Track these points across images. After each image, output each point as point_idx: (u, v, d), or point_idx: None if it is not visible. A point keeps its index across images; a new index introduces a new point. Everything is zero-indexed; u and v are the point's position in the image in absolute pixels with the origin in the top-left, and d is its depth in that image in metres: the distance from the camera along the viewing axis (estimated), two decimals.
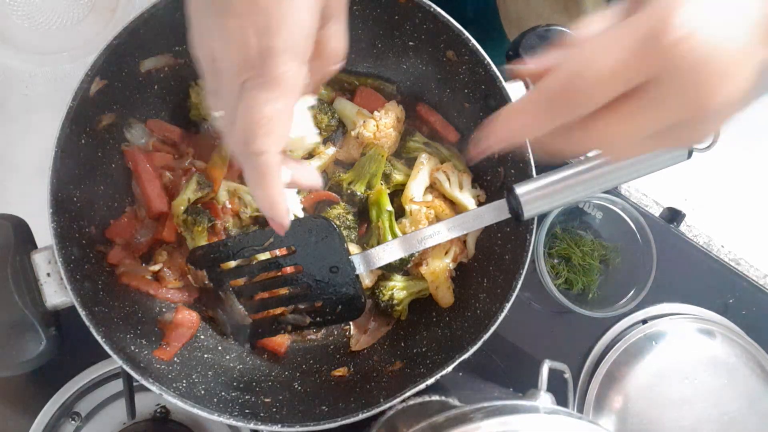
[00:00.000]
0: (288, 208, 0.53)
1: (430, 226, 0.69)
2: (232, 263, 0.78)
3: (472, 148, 0.48)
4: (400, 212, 0.87)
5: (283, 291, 0.77)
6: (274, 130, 0.48)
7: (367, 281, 0.87)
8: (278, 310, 0.79)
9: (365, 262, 0.73)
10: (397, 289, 0.86)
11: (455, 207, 0.88)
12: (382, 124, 0.86)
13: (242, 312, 0.78)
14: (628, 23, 0.39)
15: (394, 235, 0.84)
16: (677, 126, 0.40)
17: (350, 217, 0.86)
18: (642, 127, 0.41)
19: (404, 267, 0.89)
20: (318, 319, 0.77)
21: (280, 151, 0.50)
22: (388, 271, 0.88)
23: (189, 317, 0.83)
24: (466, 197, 0.86)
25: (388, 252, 0.71)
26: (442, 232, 0.69)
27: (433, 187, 0.88)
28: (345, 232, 0.85)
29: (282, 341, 0.86)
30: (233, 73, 0.47)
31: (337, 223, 0.85)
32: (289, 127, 0.50)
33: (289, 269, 0.77)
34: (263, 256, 0.79)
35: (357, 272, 0.73)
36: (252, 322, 0.79)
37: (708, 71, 0.37)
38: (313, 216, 0.84)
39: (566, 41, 0.46)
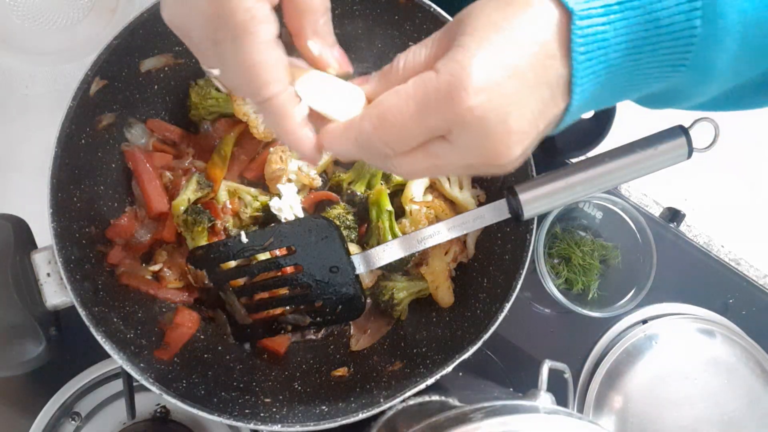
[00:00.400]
0: (315, 142, 0.50)
1: (430, 226, 0.69)
2: (232, 263, 0.78)
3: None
4: (400, 212, 0.87)
5: (283, 291, 0.77)
6: (266, 74, 0.47)
7: (367, 281, 0.87)
8: (278, 310, 0.79)
9: (365, 262, 0.73)
10: (397, 289, 0.86)
11: (455, 207, 0.88)
12: None
13: (242, 312, 0.78)
14: (428, 80, 0.42)
15: (395, 235, 0.84)
16: (475, 166, 0.44)
17: (350, 217, 0.86)
18: (442, 167, 0.45)
19: (404, 267, 0.89)
20: (318, 319, 0.77)
21: (287, 83, 0.49)
22: (388, 271, 0.88)
23: (189, 317, 0.83)
24: (466, 197, 0.86)
25: (388, 252, 0.71)
26: (442, 232, 0.69)
27: (433, 188, 0.88)
28: (345, 232, 0.85)
29: (282, 341, 0.86)
30: (204, 36, 0.46)
31: (337, 223, 0.85)
32: (282, 56, 0.48)
33: (289, 269, 0.77)
34: (263, 256, 0.79)
35: (357, 272, 0.73)
36: (252, 322, 0.79)
37: (496, 134, 0.40)
38: (313, 216, 0.84)
39: (386, 70, 0.49)
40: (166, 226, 0.83)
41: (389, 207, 0.85)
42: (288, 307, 0.79)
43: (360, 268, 0.73)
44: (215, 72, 0.49)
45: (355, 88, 0.51)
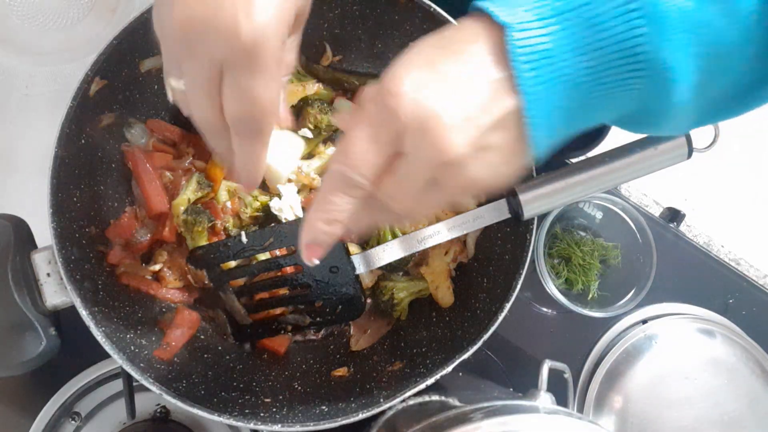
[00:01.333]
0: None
1: (431, 227, 0.69)
2: (232, 263, 0.78)
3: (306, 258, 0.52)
4: None
5: (283, 291, 0.77)
6: (268, 110, 0.48)
7: (367, 281, 0.87)
8: (278, 311, 0.79)
9: (365, 262, 0.73)
10: (397, 289, 0.86)
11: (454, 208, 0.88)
12: None
13: (242, 312, 0.78)
14: (370, 100, 0.43)
15: (394, 236, 0.84)
16: (440, 181, 0.44)
17: None
18: (410, 184, 0.45)
19: (404, 267, 0.89)
20: (318, 319, 0.77)
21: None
22: (388, 271, 0.88)
23: (189, 317, 0.83)
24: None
25: (388, 252, 0.71)
26: (442, 232, 0.69)
27: None
28: None
29: (282, 341, 0.86)
30: (211, 51, 0.46)
31: None
32: (278, 101, 0.50)
33: (289, 269, 0.77)
34: (263, 257, 0.79)
35: (357, 272, 0.73)
36: (252, 322, 0.79)
37: (433, 129, 0.40)
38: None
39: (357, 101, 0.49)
40: (166, 226, 0.83)
41: None
42: (288, 308, 0.79)
43: (360, 268, 0.73)
44: (180, 85, 0.50)
45: (296, 137, 0.54)
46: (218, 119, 0.50)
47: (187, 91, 0.50)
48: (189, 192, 0.82)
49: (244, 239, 0.75)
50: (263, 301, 0.78)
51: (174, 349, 0.79)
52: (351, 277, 0.74)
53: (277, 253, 0.78)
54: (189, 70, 0.48)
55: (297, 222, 0.77)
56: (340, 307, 0.75)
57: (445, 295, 0.86)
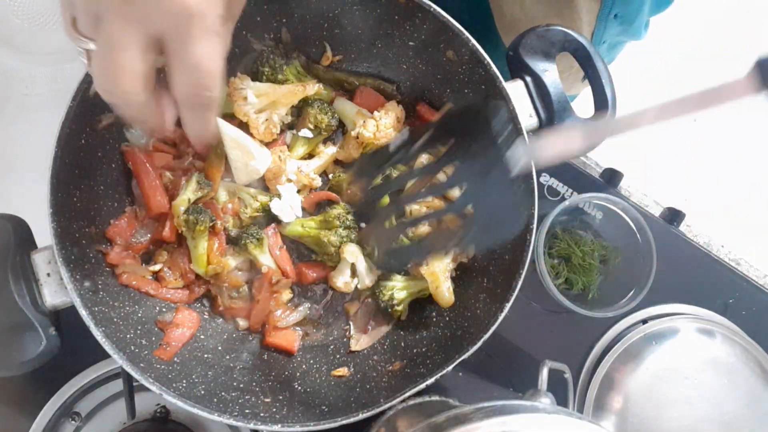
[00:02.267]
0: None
1: (647, 110, 0.56)
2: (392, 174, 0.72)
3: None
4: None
5: (438, 203, 0.71)
6: (217, 77, 0.49)
7: (367, 281, 0.87)
8: (426, 229, 0.71)
9: (529, 153, 0.61)
10: (397, 289, 0.86)
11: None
12: (381, 124, 0.86)
13: (393, 234, 0.72)
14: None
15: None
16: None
17: (350, 217, 0.86)
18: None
19: (404, 267, 0.89)
20: (478, 240, 0.66)
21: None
22: (388, 271, 0.88)
23: (189, 317, 0.83)
24: None
25: (563, 139, 0.60)
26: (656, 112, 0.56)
27: None
28: (345, 232, 0.85)
29: (292, 340, 0.86)
30: (153, 19, 0.45)
31: (337, 223, 0.85)
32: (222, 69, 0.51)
33: (442, 176, 0.68)
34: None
35: (514, 173, 0.60)
36: (402, 246, 0.72)
37: None
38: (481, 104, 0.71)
39: None
40: (166, 226, 0.83)
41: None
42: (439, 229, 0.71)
43: (520, 164, 0.61)
44: (90, 46, 0.48)
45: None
46: (147, 89, 0.49)
47: (110, 54, 0.47)
48: (189, 192, 0.82)
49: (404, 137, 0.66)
50: (416, 219, 0.72)
51: (174, 349, 0.79)
52: (508, 183, 0.61)
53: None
54: (110, 32, 0.45)
55: (466, 114, 0.66)
56: (496, 228, 0.63)
57: (445, 295, 0.86)
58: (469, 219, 0.65)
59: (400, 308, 0.86)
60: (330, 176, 0.91)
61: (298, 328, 0.89)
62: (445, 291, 0.85)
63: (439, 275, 0.85)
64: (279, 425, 0.69)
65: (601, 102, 0.82)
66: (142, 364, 0.71)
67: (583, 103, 1.05)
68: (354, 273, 0.88)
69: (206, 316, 0.87)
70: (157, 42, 0.46)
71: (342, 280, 0.87)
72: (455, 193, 0.68)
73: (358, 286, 0.88)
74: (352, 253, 0.85)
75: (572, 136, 0.61)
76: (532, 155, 0.60)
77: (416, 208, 0.74)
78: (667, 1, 1.09)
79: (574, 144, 0.61)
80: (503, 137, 0.61)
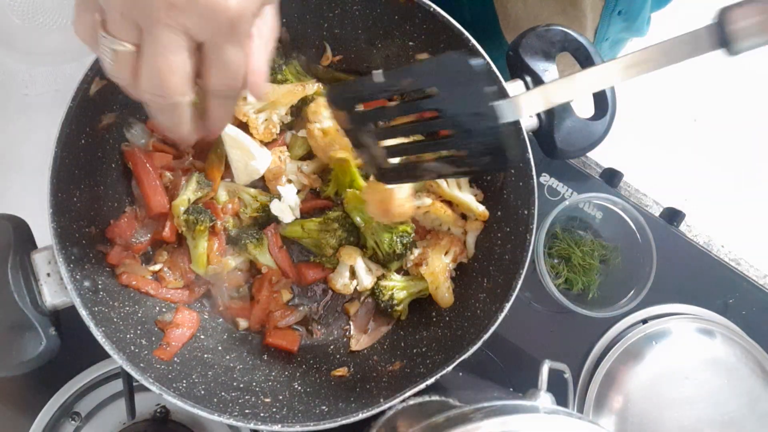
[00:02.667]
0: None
1: (599, 66, 0.58)
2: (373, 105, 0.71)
3: None
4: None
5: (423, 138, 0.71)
6: (245, 77, 0.53)
7: (366, 282, 0.87)
8: (423, 156, 0.70)
9: (512, 109, 0.63)
10: (397, 289, 0.86)
11: (455, 207, 0.88)
12: (324, 128, 0.84)
13: (383, 154, 0.71)
14: None
15: (389, 227, 0.84)
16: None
17: (350, 220, 0.86)
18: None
19: (404, 267, 0.89)
20: (463, 168, 0.69)
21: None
22: (387, 271, 0.88)
23: (189, 317, 0.83)
24: (466, 196, 0.86)
25: (548, 96, 0.62)
26: (612, 72, 0.57)
27: (430, 190, 0.88)
28: (343, 235, 0.85)
29: (294, 340, 0.86)
30: (194, 24, 0.47)
31: (335, 225, 0.85)
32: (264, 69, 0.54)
33: (428, 114, 0.68)
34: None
35: (502, 120, 0.63)
36: (395, 165, 0.72)
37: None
38: (454, 54, 0.77)
39: None
40: (166, 226, 0.83)
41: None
42: (431, 155, 0.70)
43: (507, 115, 0.63)
44: (123, 47, 0.49)
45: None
46: (192, 89, 0.52)
47: (160, 58, 0.49)
48: (189, 192, 0.82)
49: (380, 78, 0.66)
50: (403, 147, 0.71)
51: (174, 349, 0.79)
52: (495, 126, 0.63)
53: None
54: (158, 37, 0.48)
55: (436, 61, 0.67)
56: (488, 157, 0.66)
57: (445, 295, 0.86)
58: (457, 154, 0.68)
59: (400, 308, 0.86)
60: (319, 189, 0.90)
61: (298, 328, 0.89)
62: (444, 291, 0.85)
63: (438, 275, 0.85)
64: (279, 425, 0.69)
65: (601, 102, 0.82)
66: (142, 364, 0.71)
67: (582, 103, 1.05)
68: (353, 274, 0.88)
69: (206, 316, 0.87)
70: (198, 45, 0.50)
71: (341, 282, 0.87)
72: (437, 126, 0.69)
73: (358, 288, 0.88)
74: (350, 255, 0.85)
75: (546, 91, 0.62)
76: (514, 107, 0.62)
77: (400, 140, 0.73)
78: None
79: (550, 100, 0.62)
80: (486, 88, 0.63)
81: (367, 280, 0.87)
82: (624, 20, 1.06)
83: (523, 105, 0.62)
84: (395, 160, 0.72)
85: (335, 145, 0.84)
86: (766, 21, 0.47)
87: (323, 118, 0.84)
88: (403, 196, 0.81)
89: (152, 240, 0.84)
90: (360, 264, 0.87)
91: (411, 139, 0.74)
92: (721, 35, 0.50)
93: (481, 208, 0.86)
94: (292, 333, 0.87)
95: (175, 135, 0.58)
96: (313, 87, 0.85)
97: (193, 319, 0.83)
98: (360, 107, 0.69)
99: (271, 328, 0.86)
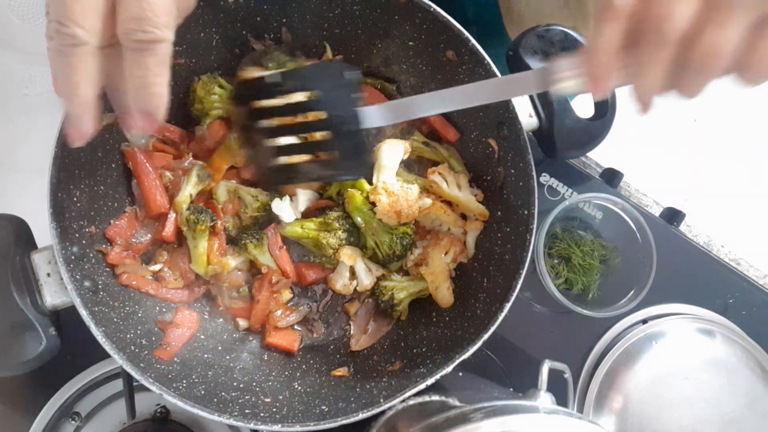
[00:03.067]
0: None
1: (436, 92, 0.65)
2: (266, 103, 0.74)
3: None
4: None
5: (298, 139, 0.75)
6: (163, 17, 0.48)
7: (366, 282, 0.87)
8: (298, 158, 0.75)
9: (370, 116, 0.69)
10: (397, 289, 0.86)
11: (454, 207, 0.88)
12: None
13: (269, 153, 0.75)
14: None
15: (389, 230, 0.85)
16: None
17: (350, 221, 0.86)
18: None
19: (404, 267, 0.89)
20: (330, 171, 0.74)
21: None
22: (388, 271, 0.88)
23: (189, 317, 0.83)
24: (466, 196, 0.86)
25: (393, 112, 0.68)
26: (442, 103, 0.65)
27: (430, 191, 0.88)
28: (343, 235, 0.85)
29: (293, 340, 0.86)
30: None
31: (336, 225, 0.85)
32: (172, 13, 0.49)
33: (312, 116, 0.73)
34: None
35: (362, 126, 0.69)
36: (275, 167, 0.76)
37: None
38: (337, 63, 0.78)
39: None
40: (166, 226, 0.83)
41: (366, 208, 0.85)
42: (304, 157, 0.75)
43: (368, 122, 0.69)
44: None
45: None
46: (89, 23, 0.46)
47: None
48: (190, 186, 0.82)
49: (278, 78, 0.72)
50: (286, 147, 0.75)
51: (174, 349, 0.79)
52: (356, 129, 0.69)
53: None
54: None
55: (327, 65, 0.74)
56: (350, 162, 0.72)
57: (445, 295, 0.86)
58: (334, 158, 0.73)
59: (400, 308, 0.86)
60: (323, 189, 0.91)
61: (298, 328, 0.89)
62: (445, 291, 0.86)
63: (439, 275, 0.85)
64: (279, 425, 0.69)
65: (601, 102, 0.82)
66: (142, 364, 0.71)
67: (581, 102, 1.05)
68: (353, 275, 0.88)
69: (206, 317, 0.87)
70: None
71: (341, 283, 0.87)
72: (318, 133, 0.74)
73: (357, 288, 0.88)
74: (349, 255, 0.85)
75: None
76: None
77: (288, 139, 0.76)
78: None
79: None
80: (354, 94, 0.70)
81: (367, 281, 0.87)
82: None
83: (378, 114, 0.68)
84: (277, 161, 0.76)
85: None
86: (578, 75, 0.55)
87: None
88: (412, 197, 0.82)
89: (152, 240, 0.84)
90: (360, 265, 0.87)
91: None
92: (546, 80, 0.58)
93: (481, 208, 0.86)
94: (292, 333, 0.87)
95: (72, 104, 0.50)
96: None
97: (193, 319, 0.83)
98: (257, 105, 0.74)
99: (271, 328, 0.86)
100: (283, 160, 0.75)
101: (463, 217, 0.89)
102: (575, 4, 0.99)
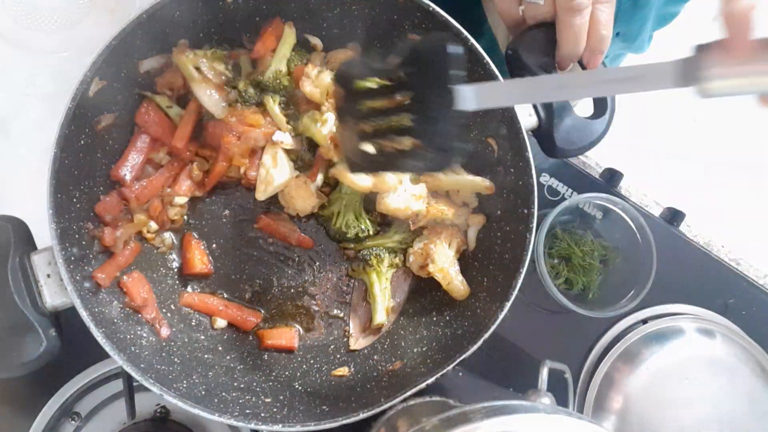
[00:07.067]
0: None
1: (572, 75, 0.64)
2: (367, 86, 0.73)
3: None
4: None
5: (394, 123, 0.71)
6: None
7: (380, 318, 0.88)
8: (390, 144, 0.71)
9: (468, 96, 0.63)
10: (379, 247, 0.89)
11: (450, 201, 0.88)
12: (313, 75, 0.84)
13: (356, 137, 0.72)
14: None
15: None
16: None
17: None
18: None
19: (406, 265, 0.89)
20: (419, 162, 0.68)
21: None
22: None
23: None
24: (465, 177, 0.85)
25: (503, 93, 0.63)
26: (588, 86, 0.58)
27: (427, 186, 0.88)
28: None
29: (291, 338, 0.86)
30: None
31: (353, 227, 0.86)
32: None
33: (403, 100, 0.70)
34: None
35: (457, 107, 0.63)
36: (365, 153, 0.72)
37: None
38: (439, 35, 0.73)
39: None
40: (176, 137, 0.84)
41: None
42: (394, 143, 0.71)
43: (466, 105, 0.63)
44: None
45: None
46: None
47: None
48: (285, 48, 0.84)
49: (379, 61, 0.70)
50: (379, 131, 0.72)
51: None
52: (451, 110, 0.64)
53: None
54: None
55: (422, 41, 0.70)
56: (441, 153, 0.67)
57: (459, 288, 0.84)
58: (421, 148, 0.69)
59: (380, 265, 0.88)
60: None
61: (296, 325, 0.89)
62: (459, 284, 0.85)
63: (448, 270, 0.85)
64: (279, 425, 0.69)
65: (601, 101, 0.82)
66: (142, 365, 0.71)
67: (582, 102, 1.05)
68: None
69: (206, 318, 0.87)
70: None
71: (396, 202, 0.85)
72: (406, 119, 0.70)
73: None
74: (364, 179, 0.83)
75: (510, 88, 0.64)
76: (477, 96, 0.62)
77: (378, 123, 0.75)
78: (671, 16, 1.09)
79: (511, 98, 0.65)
80: (456, 77, 0.64)
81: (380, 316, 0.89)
82: (623, 41, 1.06)
83: (476, 95, 0.62)
84: (368, 148, 0.73)
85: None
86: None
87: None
88: (417, 192, 0.81)
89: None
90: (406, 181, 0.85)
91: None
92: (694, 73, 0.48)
93: (486, 182, 0.85)
94: (287, 330, 0.87)
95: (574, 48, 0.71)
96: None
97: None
98: (356, 86, 0.71)
99: (263, 331, 0.86)
100: (368, 147, 0.72)
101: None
102: None
